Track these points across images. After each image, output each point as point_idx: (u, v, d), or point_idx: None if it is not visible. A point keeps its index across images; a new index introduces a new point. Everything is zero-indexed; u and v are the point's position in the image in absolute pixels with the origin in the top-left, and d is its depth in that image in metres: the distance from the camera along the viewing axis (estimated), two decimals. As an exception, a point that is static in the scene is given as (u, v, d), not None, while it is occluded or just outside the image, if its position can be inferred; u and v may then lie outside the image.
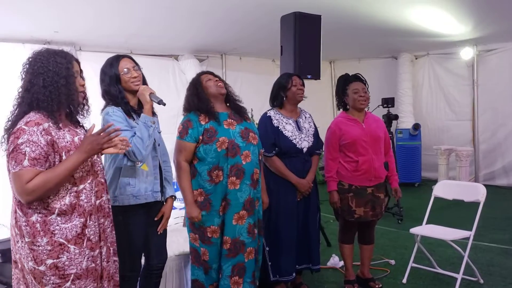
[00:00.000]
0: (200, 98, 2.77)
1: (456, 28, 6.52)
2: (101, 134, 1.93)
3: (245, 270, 2.75)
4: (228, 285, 2.71)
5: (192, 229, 2.77)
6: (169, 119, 5.54)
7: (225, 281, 2.72)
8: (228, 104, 2.88)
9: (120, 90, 2.52)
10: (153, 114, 2.59)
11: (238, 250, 2.73)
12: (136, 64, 2.61)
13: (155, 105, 2.61)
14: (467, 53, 7.60)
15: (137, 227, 2.52)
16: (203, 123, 2.72)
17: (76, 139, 1.96)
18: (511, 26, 6.42)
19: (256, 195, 2.80)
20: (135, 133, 2.43)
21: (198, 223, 2.72)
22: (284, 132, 3.18)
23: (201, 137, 2.70)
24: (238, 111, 2.87)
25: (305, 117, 3.37)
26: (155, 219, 2.62)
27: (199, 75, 2.92)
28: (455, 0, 5.34)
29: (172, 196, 2.70)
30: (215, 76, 2.89)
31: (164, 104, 2.53)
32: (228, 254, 2.72)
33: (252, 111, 4.77)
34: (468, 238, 3.38)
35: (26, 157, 1.78)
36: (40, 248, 1.82)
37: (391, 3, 5.31)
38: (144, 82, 2.63)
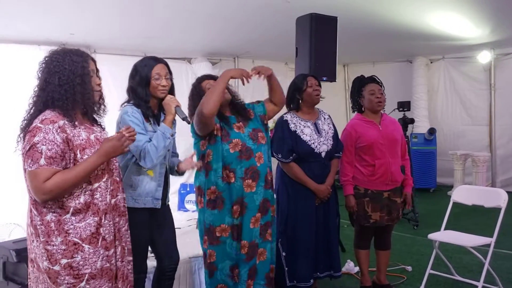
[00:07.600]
0: None
1: (473, 32, 6.40)
2: (121, 137, 1.91)
3: (256, 271, 2.71)
4: None
5: (205, 231, 2.71)
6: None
7: (242, 286, 2.68)
8: (231, 106, 2.80)
9: (147, 93, 2.50)
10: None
11: (254, 253, 2.69)
12: (170, 72, 2.58)
13: None
14: (484, 57, 7.44)
15: (140, 227, 2.47)
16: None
17: (92, 137, 1.94)
18: (530, 30, 6.30)
19: (268, 196, 2.75)
20: (150, 139, 2.41)
21: (209, 223, 2.65)
22: (302, 137, 3.07)
23: (219, 126, 2.64)
24: (242, 112, 2.79)
25: (324, 118, 3.26)
26: None
27: (199, 82, 2.81)
28: (472, 4, 5.25)
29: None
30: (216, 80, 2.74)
31: (189, 122, 2.55)
32: (246, 259, 2.68)
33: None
34: (488, 245, 3.29)
35: (43, 156, 1.77)
36: (55, 247, 1.80)
37: (407, 6, 5.24)
38: (172, 91, 2.60)
